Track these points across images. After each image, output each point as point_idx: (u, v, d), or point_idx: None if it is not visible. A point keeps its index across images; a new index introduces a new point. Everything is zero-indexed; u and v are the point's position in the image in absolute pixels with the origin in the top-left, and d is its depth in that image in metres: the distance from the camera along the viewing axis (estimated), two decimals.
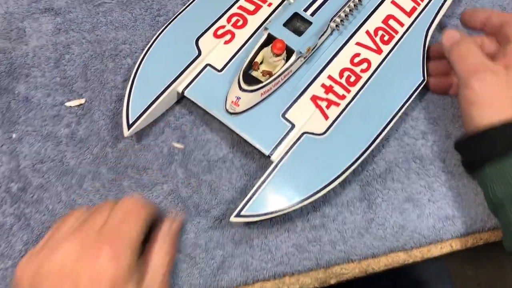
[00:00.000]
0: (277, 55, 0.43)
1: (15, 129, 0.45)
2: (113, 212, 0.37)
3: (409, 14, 0.49)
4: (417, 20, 0.49)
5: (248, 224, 0.43)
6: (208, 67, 0.45)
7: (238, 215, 0.40)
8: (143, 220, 0.37)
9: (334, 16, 0.46)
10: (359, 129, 0.44)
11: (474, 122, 0.41)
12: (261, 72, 0.44)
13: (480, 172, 0.41)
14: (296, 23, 0.45)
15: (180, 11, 0.47)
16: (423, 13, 0.49)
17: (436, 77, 0.48)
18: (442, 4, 0.50)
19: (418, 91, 0.46)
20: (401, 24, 0.48)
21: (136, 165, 0.45)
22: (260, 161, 0.45)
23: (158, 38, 0.46)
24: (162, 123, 0.46)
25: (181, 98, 0.47)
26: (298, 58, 0.44)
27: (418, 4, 0.49)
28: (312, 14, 0.45)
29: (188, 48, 0.46)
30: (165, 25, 0.47)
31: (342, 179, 0.42)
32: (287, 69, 0.43)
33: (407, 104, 0.45)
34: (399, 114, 0.45)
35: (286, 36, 0.43)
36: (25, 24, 0.50)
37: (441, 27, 0.52)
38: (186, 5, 0.48)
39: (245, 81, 0.42)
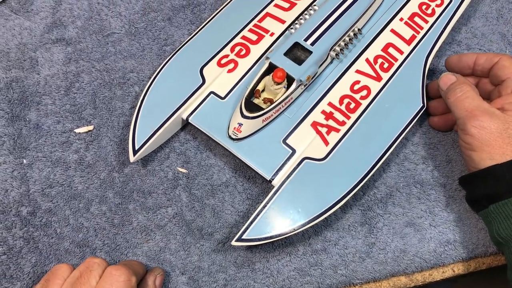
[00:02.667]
0: (278, 83, 0.44)
1: (26, 155, 0.47)
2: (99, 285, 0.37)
3: (408, 42, 0.50)
4: (416, 48, 0.50)
5: (250, 247, 0.44)
6: (211, 95, 0.47)
7: (239, 239, 0.40)
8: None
9: (334, 45, 0.47)
10: (359, 154, 0.44)
11: (476, 165, 0.42)
12: (262, 100, 0.45)
13: (485, 211, 0.42)
14: (297, 52, 0.46)
15: (186, 40, 0.49)
16: (422, 40, 0.50)
17: (438, 115, 0.49)
18: (442, 32, 0.51)
19: (418, 117, 0.47)
20: (401, 52, 0.50)
21: (142, 189, 0.46)
22: (262, 186, 0.46)
23: (164, 67, 0.48)
24: (167, 148, 0.48)
25: (186, 124, 0.48)
26: (298, 86, 0.45)
27: (418, 32, 0.51)
28: (313, 44, 0.46)
29: (193, 76, 0.47)
30: (171, 54, 0.48)
31: (343, 204, 0.43)
32: (287, 96, 0.45)
33: (407, 130, 0.46)
34: (399, 139, 0.45)
35: (287, 65, 0.45)
36: (38, 54, 0.52)
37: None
38: (192, 35, 0.50)
39: (247, 108, 0.44)
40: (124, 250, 0.44)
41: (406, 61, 0.49)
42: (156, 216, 0.45)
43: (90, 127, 0.49)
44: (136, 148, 0.44)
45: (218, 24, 0.51)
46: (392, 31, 0.51)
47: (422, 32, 0.51)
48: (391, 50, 0.50)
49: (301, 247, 0.45)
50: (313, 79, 0.47)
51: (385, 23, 0.51)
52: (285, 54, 0.45)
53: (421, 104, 0.47)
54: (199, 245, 0.44)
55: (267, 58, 0.45)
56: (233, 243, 0.40)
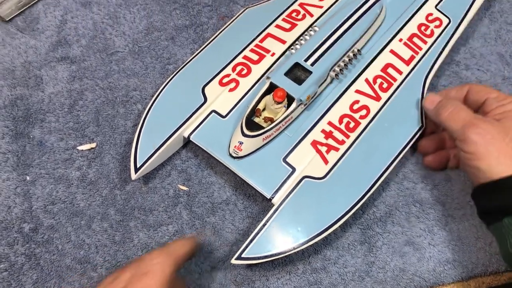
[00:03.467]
0: (278, 103, 0.45)
1: (29, 172, 0.47)
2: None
3: (407, 63, 0.51)
4: (415, 68, 0.51)
5: (250, 266, 0.44)
6: (213, 113, 0.47)
7: (239, 258, 0.41)
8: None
9: (334, 65, 0.48)
10: (358, 173, 0.45)
11: (484, 175, 0.40)
12: (263, 119, 0.46)
13: (498, 224, 0.40)
14: (297, 72, 0.47)
15: (188, 60, 0.50)
16: (421, 61, 0.51)
17: (432, 154, 0.48)
18: (441, 52, 0.52)
19: (417, 136, 0.47)
20: (400, 72, 0.50)
21: (143, 207, 0.46)
22: (262, 204, 0.47)
23: (167, 85, 0.48)
24: (168, 166, 0.48)
25: (187, 142, 0.49)
26: (298, 106, 0.46)
27: (417, 53, 0.51)
28: (313, 64, 0.47)
29: (194, 95, 0.48)
30: (174, 73, 0.49)
31: (343, 222, 0.43)
32: (288, 116, 0.45)
33: (406, 149, 0.46)
34: (398, 159, 0.46)
35: (287, 85, 0.45)
36: (43, 72, 0.53)
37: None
38: (194, 55, 0.51)
39: (248, 127, 0.44)
40: None
41: (405, 81, 0.50)
42: (157, 233, 0.45)
43: (93, 145, 0.49)
44: (138, 166, 0.44)
45: (220, 43, 0.52)
46: (392, 51, 0.52)
47: (421, 53, 0.52)
48: (390, 70, 0.51)
49: (300, 265, 0.45)
50: (313, 98, 0.48)
51: (384, 43, 0.52)
52: (286, 74, 0.46)
53: (420, 124, 0.48)
54: (199, 262, 0.44)
55: (268, 77, 0.46)
56: (233, 261, 0.41)
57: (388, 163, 0.46)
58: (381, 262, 0.45)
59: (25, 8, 0.57)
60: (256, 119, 0.46)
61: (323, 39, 0.49)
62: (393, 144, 0.47)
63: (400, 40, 0.52)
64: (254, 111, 0.46)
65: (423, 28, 0.53)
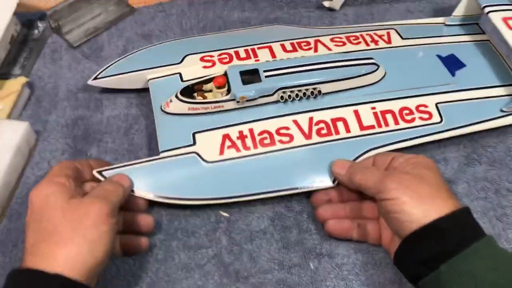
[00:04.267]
0: (217, 87, 0.51)
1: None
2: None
3: (362, 128, 0.51)
4: (366, 137, 0.51)
5: None
6: (177, 75, 0.55)
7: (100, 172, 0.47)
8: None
9: (286, 88, 0.51)
10: (239, 179, 0.49)
11: (411, 218, 0.40)
12: (200, 95, 0.52)
13: (433, 276, 0.39)
14: (251, 76, 0.51)
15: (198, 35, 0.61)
16: (378, 135, 0.51)
17: (332, 220, 0.48)
18: (406, 140, 0.52)
19: (321, 187, 0.49)
20: (348, 131, 0.51)
21: (186, 229, 0.49)
22: (299, 236, 0.49)
23: (165, 42, 0.58)
24: None
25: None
26: (231, 100, 0.50)
27: (380, 126, 0.52)
28: (268, 76, 0.51)
29: (176, 56, 0.56)
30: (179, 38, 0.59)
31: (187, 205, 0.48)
32: (216, 101, 0.51)
33: (298, 190, 0.49)
34: (285, 192, 0.49)
35: (234, 79, 0.51)
36: (103, 96, 0.57)
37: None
38: (207, 34, 0.61)
39: (182, 92, 0.51)
40: (165, 284, 0.46)
41: (348, 140, 0.51)
42: (197, 255, 0.48)
43: None
44: (98, 76, 0.54)
45: (231, 35, 0.60)
46: (355, 111, 0.52)
47: (385, 129, 0.52)
48: (339, 124, 0.51)
49: None
50: (250, 103, 0.51)
51: (353, 102, 0.53)
52: (241, 72, 0.51)
53: (331, 184, 0.49)
54: (234, 287, 0.47)
55: (228, 68, 0.52)
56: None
57: (273, 190, 0.48)
58: None
59: (91, 36, 0.62)
60: (196, 94, 0.52)
61: (298, 64, 0.52)
62: (290, 179, 0.49)
63: (373, 108, 0.53)
64: (198, 85, 0.52)
65: (405, 111, 0.53)
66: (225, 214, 0.50)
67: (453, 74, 0.57)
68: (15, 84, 0.55)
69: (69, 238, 0.37)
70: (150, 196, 0.47)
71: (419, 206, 0.40)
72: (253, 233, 0.49)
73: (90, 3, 0.62)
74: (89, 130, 0.55)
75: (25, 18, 0.62)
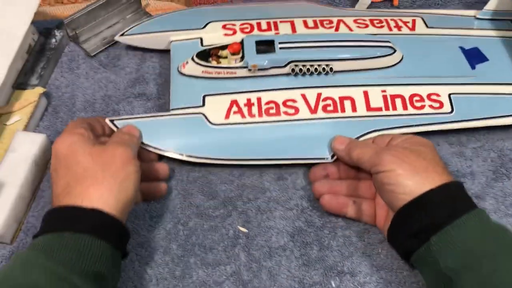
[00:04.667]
0: (232, 54, 0.53)
1: None
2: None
3: (369, 109, 0.52)
4: (372, 118, 0.51)
5: None
6: (199, 40, 0.57)
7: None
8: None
9: (298, 61, 0.52)
10: (241, 145, 0.50)
11: (404, 190, 0.41)
12: (214, 60, 0.54)
13: (424, 248, 0.40)
14: (266, 47, 0.52)
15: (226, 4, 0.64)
16: (384, 117, 0.51)
17: (328, 194, 0.48)
18: (411, 126, 0.51)
19: (319, 161, 0.50)
20: (354, 110, 0.52)
21: (203, 244, 0.48)
22: (320, 252, 0.47)
23: (191, 8, 0.62)
24: (230, 206, 0.50)
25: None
26: (243, 67, 0.52)
27: (387, 109, 0.52)
28: (283, 48, 0.52)
29: (200, 22, 0.58)
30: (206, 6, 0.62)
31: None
32: (229, 67, 0.52)
33: (296, 162, 0.51)
34: (280, 162, 0.51)
35: (249, 47, 0.52)
36: (120, 106, 0.56)
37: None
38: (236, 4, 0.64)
39: (198, 55, 0.53)
40: None
41: (353, 119, 0.51)
42: (215, 272, 0.47)
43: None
44: (126, 33, 0.58)
45: (251, 6, 0.61)
46: (364, 92, 0.52)
47: (392, 113, 0.52)
48: (346, 102, 0.52)
49: None
50: (261, 72, 0.53)
51: (364, 83, 0.53)
52: (258, 41, 0.52)
53: (328, 156, 0.50)
54: None
55: (245, 36, 0.54)
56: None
57: (272, 158, 0.50)
58: None
59: (109, 45, 0.61)
60: (210, 58, 0.54)
61: (313, 39, 0.53)
62: (291, 150, 0.51)
63: (383, 91, 0.53)
64: (214, 50, 0.54)
65: (416, 98, 0.53)
66: (244, 230, 0.49)
67: (473, 67, 0.56)
68: (33, 94, 0.55)
69: (100, 178, 0.41)
70: (156, 149, 0.50)
71: (413, 177, 0.41)
72: (272, 250, 0.48)
73: (107, 12, 0.61)
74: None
75: (42, 27, 0.61)
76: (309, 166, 0.52)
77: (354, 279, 0.46)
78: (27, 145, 0.50)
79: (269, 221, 0.49)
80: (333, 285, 0.46)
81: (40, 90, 0.55)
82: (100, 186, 0.41)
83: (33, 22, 0.58)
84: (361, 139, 0.50)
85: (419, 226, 0.40)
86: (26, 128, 0.53)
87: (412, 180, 0.41)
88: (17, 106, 0.54)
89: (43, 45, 0.59)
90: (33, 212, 0.49)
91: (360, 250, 0.48)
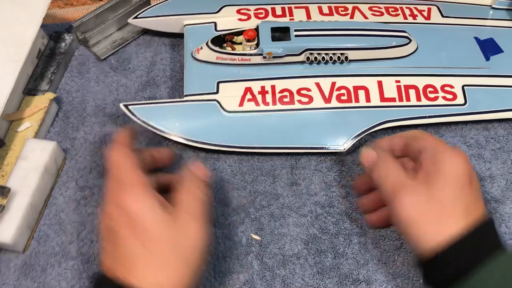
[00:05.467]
0: (247, 40, 0.52)
1: None
2: None
3: (383, 99, 0.52)
4: (385, 108, 0.51)
5: None
6: (212, 24, 0.56)
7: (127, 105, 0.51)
8: None
9: (313, 50, 0.52)
10: (254, 132, 0.50)
11: (419, 241, 0.39)
12: (228, 46, 0.54)
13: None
14: (281, 34, 0.52)
15: None
16: (396, 108, 0.51)
17: (374, 213, 0.47)
18: (423, 118, 0.52)
19: (332, 150, 0.51)
20: (368, 100, 0.51)
21: (216, 252, 0.47)
22: (334, 260, 0.47)
23: None
24: (242, 213, 0.49)
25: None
26: (258, 54, 0.52)
27: (401, 100, 0.52)
28: (298, 36, 0.52)
29: (213, 7, 0.58)
30: None
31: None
32: (244, 54, 0.52)
33: (307, 151, 0.51)
34: (287, 150, 0.51)
35: (264, 34, 0.52)
36: None
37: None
38: None
39: (213, 41, 0.53)
40: None
41: (366, 109, 0.51)
42: (228, 281, 0.46)
43: None
44: (139, 15, 0.57)
45: None
46: (379, 82, 0.52)
47: (405, 104, 0.52)
48: (360, 92, 0.52)
49: None
50: (275, 59, 0.52)
51: (379, 72, 0.53)
52: (273, 28, 0.52)
53: (341, 146, 0.50)
54: None
55: (260, 22, 0.54)
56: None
57: (285, 146, 0.50)
58: None
59: (119, 48, 0.60)
60: (225, 44, 0.54)
61: (329, 27, 0.53)
62: (308, 139, 0.50)
63: (397, 81, 0.53)
64: (229, 36, 0.54)
65: (429, 89, 0.53)
66: (257, 237, 0.48)
67: (487, 59, 0.55)
68: (43, 100, 0.54)
69: (167, 258, 0.36)
70: (170, 135, 0.50)
71: (426, 232, 0.39)
72: (286, 258, 0.47)
73: (117, 13, 0.60)
74: None
75: (52, 30, 0.60)
76: (323, 170, 0.51)
77: None
78: (38, 153, 0.49)
79: (283, 228, 0.49)
80: None
81: (50, 95, 0.55)
82: (164, 269, 0.36)
83: (42, 26, 0.57)
84: (375, 129, 0.50)
85: (442, 278, 0.39)
86: (37, 135, 0.53)
87: (425, 234, 0.39)
88: (28, 113, 0.53)
89: (53, 50, 0.59)
90: (45, 220, 0.49)
91: (376, 257, 0.47)
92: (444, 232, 0.38)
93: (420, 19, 0.58)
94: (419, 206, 0.39)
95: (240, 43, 0.54)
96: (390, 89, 0.52)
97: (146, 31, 0.62)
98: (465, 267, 0.37)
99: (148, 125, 0.50)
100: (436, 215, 0.39)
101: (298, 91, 0.52)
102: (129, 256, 0.36)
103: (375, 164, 0.43)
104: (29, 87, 0.55)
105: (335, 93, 0.52)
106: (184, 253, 0.37)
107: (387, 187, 0.41)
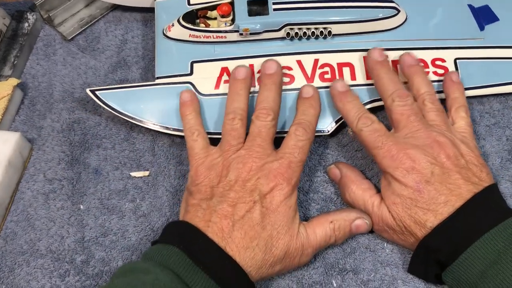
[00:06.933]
0: (221, 16, 0.48)
1: (83, 201, 0.47)
2: None
3: (369, 78, 0.48)
4: (371, 86, 0.47)
5: None
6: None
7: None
8: None
9: (293, 24, 0.48)
10: None
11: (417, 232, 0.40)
12: (202, 23, 0.50)
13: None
14: (258, 7, 0.48)
15: None
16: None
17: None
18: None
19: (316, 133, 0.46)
20: (353, 78, 0.48)
21: None
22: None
23: None
24: None
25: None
26: (233, 31, 0.48)
27: None
28: (277, 10, 0.48)
29: None
30: None
31: None
32: (218, 31, 0.49)
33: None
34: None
35: (240, 9, 0.48)
36: None
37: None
38: None
39: (185, 17, 0.49)
40: None
41: (351, 88, 0.47)
42: None
43: (146, 173, 0.48)
44: None
45: None
46: (364, 58, 0.48)
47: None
48: (345, 69, 0.48)
49: None
50: (253, 36, 0.49)
51: (364, 47, 0.49)
52: (250, 1, 0.48)
53: (326, 129, 0.47)
54: None
55: None
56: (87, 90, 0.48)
57: None
58: None
59: (87, 26, 0.56)
60: (198, 20, 0.50)
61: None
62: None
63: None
64: (201, 11, 0.50)
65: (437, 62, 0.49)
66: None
67: (482, 28, 0.51)
68: (6, 86, 0.50)
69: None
70: (140, 122, 0.47)
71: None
72: (305, 286, 0.44)
73: None
74: (86, 135, 0.50)
75: (14, 10, 0.56)
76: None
77: (357, 277, 0.43)
78: (0, 145, 0.46)
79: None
80: (334, 284, 0.43)
81: (14, 81, 0.51)
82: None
83: (3, 4, 0.53)
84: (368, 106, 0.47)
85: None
86: (0, 125, 0.49)
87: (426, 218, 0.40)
88: None
89: (15, 30, 0.55)
90: (12, 216, 0.46)
91: (363, 245, 0.44)
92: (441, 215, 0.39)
93: None
94: (401, 206, 0.41)
95: (215, 19, 0.50)
96: None
97: (115, 7, 0.57)
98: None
99: (118, 112, 0.47)
100: (423, 207, 0.40)
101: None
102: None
103: (341, 186, 0.45)
104: None
105: (318, 71, 0.48)
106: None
107: (359, 208, 0.43)
